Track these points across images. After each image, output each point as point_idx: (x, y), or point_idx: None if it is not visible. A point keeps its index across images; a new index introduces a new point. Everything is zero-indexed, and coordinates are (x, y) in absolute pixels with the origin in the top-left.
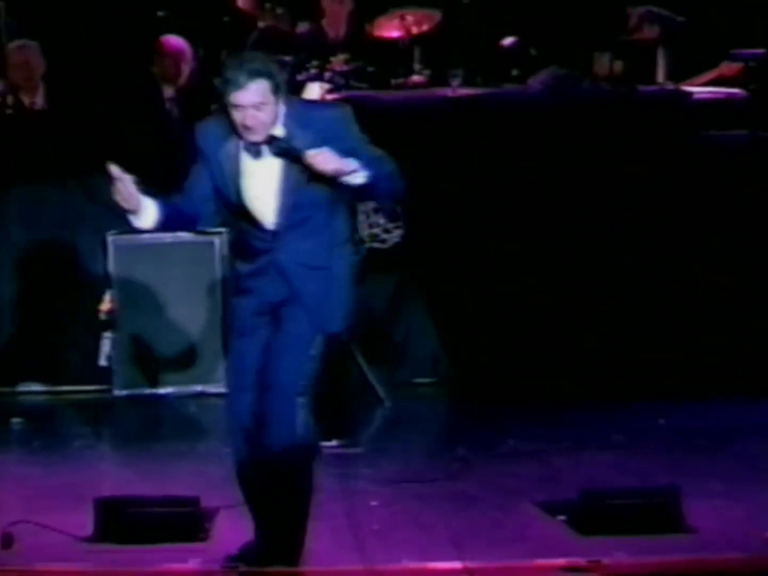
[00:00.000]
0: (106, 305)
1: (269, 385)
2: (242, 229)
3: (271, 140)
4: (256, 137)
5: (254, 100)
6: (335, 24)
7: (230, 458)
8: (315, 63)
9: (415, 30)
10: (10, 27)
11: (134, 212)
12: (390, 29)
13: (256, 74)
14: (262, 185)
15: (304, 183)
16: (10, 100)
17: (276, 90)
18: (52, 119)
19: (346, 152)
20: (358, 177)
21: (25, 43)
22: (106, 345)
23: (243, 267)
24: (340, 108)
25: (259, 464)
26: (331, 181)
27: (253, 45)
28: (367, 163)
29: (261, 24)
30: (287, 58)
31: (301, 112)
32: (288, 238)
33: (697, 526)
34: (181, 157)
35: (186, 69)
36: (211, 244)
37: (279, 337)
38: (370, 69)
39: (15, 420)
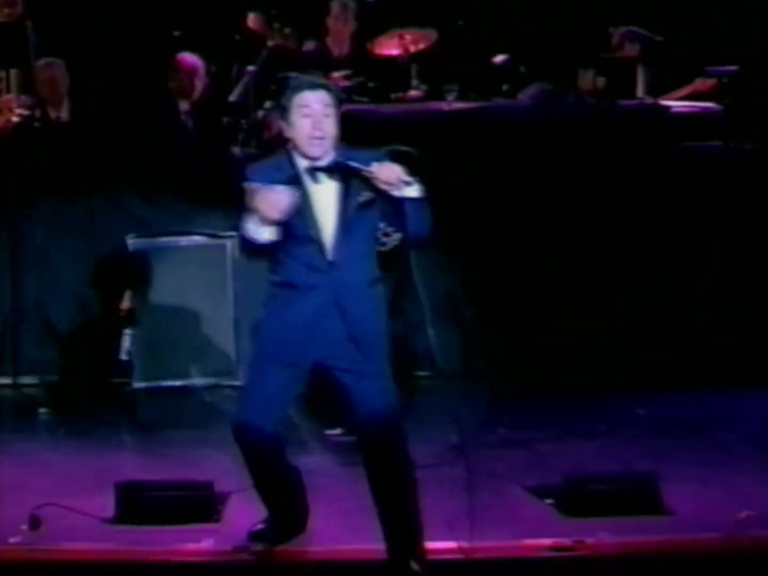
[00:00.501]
0: (125, 304)
1: (375, 428)
2: (295, 260)
3: (336, 162)
4: (321, 150)
5: (325, 102)
6: (339, 42)
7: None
8: None
9: (412, 48)
10: (37, 45)
11: (276, 223)
12: (389, 47)
13: (321, 85)
14: (323, 210)
15: (358, 208)
16: (37, 113)
17: (336, 109)
18: (76, 131)
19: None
20: (414, 190)
21: (52, 60)
22: (125, 340)
23: (287, 302)
24: (380, 153)
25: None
26: (388, 194)
27: (263, 62)
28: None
29: (270, 42)
30: (294, 75)
31: (346, 150)
32: (343, 267)
33: (675, 508)
34: (194, 163)
35: (200, 84)
36: (223, 246)
37: (362, 390)
38: (371, 84)
39: (41, 410)
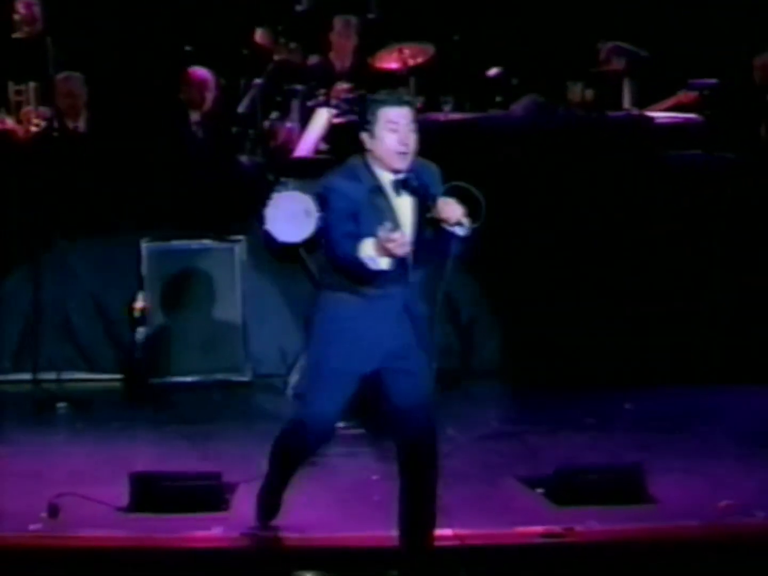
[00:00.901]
0: (139, 304)
1: (416, 428)
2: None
3: (407, 179)
4: (404, 164)
5: (409, 118)
6: (342, 57)
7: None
8: (323, 91)
9: (411, 62)
10: (55, 60)
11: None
12: (389, 61)
13: (409, 101)
14: (404, 221)
15: (425, 222)
16: (55, 124)
17: (415, 123)
18: (92, 140)
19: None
20: (462, 230)
21: (71, 74)
22: (139, 339)
23: (353, 309)
24: (435, 166)
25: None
26: (441, 227)
27: (269, 75)
28: None
29: (276, 57)
30: (299, 87)
31: (420, 163)
32: (412, 276)
33: (659, 497)
34: (204, 171)
35: (210, 96)
36: (232, 249)
37: (411, 390)
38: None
39: (60, 404)
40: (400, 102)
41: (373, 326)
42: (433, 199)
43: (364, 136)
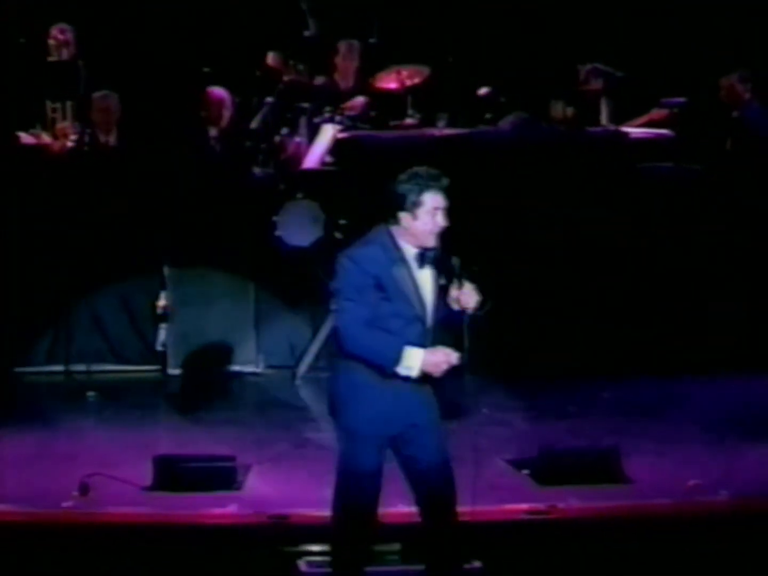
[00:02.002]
0: (162, 302)
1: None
2: (401, 339)
3: (428, 253)
4: (435, 241)
5: (444, 204)
6: (345, 77)
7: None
8: (329, 108)
9: (408, 82)
10: (87, 80)
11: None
12: (388, 81)
13: (446, 184)
14: (426, 292)
15: (439, 290)
16: (87, 138)
17: None
18: (122, 154)
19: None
20: (469, 315)
21: (108, 93)
22: (162, 334)
23: (371, 377)
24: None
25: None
26: (449, 306)
27: (280, 94)
28: None
29: (286, 77)
30: (307, 105)
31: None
32: (430, 341)
33: (634, 477)
34: (220, 180)
35: (227, 114)
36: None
37: (425, 471)
38: (372, 113)
39: (90, 393)
40: (444, 188)
41: (390, 392)
42: (450, 272)
43: (403, 215)
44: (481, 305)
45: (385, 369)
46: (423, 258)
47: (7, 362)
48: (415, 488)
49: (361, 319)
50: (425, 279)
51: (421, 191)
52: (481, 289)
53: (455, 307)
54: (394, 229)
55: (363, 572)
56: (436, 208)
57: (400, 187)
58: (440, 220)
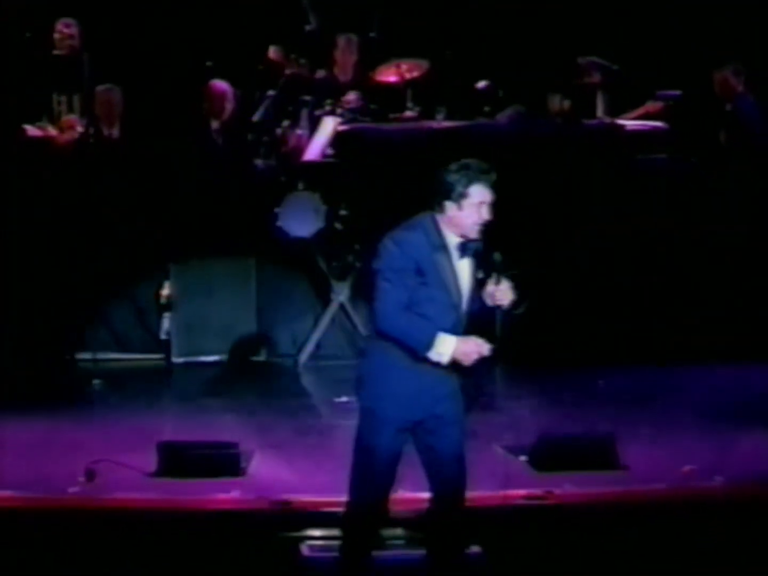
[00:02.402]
0: (165, 291)
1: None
2: (437, 326)
3: (470, 244)
4: (477, 234)
5: (491, 198)
6: (344, 71)
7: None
8: (329, 101)
9: (408, 76)
10: (91, 74)
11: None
12: (388, 75)
13: (494, 177)
14: (464, 282)
15: (476, 282)
16: (91, 131)
17: None
18: (125, 146)
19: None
20: (503, 312)
21: (111, 86)
22: (165, 323)
23: (402, 360)
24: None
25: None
26: (484, 300)
27: (281, 87)
28: None
29: (287, 71)
30: (308, 98)
31: None
32: (463, 330)
33: (629, 464)
34: (222, 172)
35: (229, 107)
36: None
37: (440, 461)
38: (372, 106)
39: (96, 381)
40: (491, 181)
41: (419, 377)
42: (490, 267)
43: (449, 204)
44: (516, 305)
45: (417, 352)
46: (464, 248)
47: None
48: (429, 476)
49: (398, 301)
50: (464, 269)
51: (469, 183)
52: (519, 289)
53: (489, 302)
54: (439, 216)
55: (371, 556)
56: (482, 202)
57: (448, 176)
58: (485, 214)
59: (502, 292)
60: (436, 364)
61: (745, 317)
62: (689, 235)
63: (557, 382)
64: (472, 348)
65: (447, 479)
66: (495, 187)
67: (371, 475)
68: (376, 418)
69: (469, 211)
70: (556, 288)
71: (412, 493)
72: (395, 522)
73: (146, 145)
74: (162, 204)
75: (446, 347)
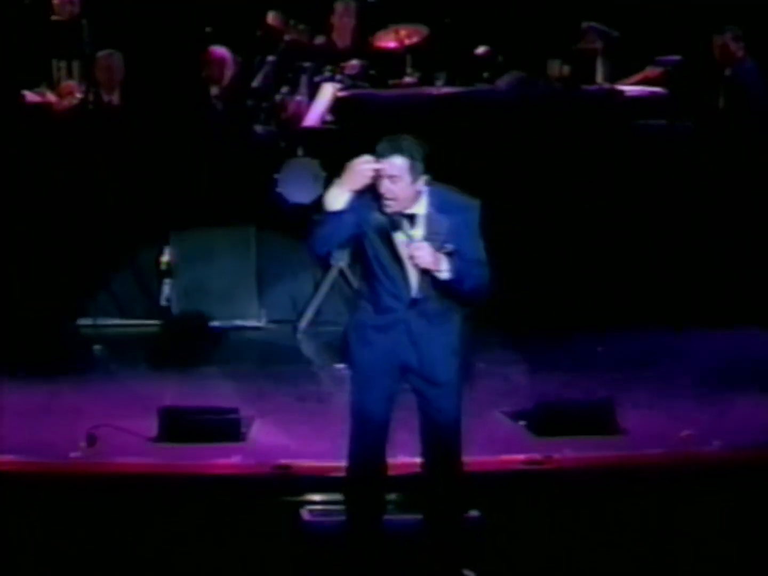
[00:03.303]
0: (165, 258)
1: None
2: (380, 285)
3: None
4: (390, 208)
5: (390, 172)
6: (343, 37)
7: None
8: (329, 68)
9: (407, 41)
10: (91, 40)
11: (344, 190)
12: (387, 41)
13: (397, 150)
14: (404, 255)
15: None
16: (91, 97)
17: (412, 170)
18: (125, 112)
19: (463, 242)
20: (444, 275)
21: (111, 51)
22: (165, 289)
23: (370, 320)
24: (474, 202)
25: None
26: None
27: (280, 53)
28: (468, 261)
29: (286, 37)
30: (307, 64)
31: (443, 197)
32: (422, 306)
33: (627, 429)
34: (222, 138)
35: (228, 73)
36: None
37: (430, 425)
38: (371, 72)
39: (96, 347)
40: (380, 155)
41: (384, 338)
42: (409, 248)
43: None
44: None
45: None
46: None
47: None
48: (421, 440)
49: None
50: (401, 242)
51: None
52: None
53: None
54: None
55: (378, 520)
56: (380, 176)
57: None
58: (383, 186)
59: (419, 253)
60: (397, 329)
61: (744, 282)
62: (688, 200)
63: (555, 348)
64: (356, 164)
65: (437, 444)
66: (401, 153)
67: (360, 437)
68: (353, 380)
69: (378, 182)
70: (554, 252)
71: (409, 458)
72: (393, 486)
73: (146, 111)
74: (162, 170)
75: (333, 189)
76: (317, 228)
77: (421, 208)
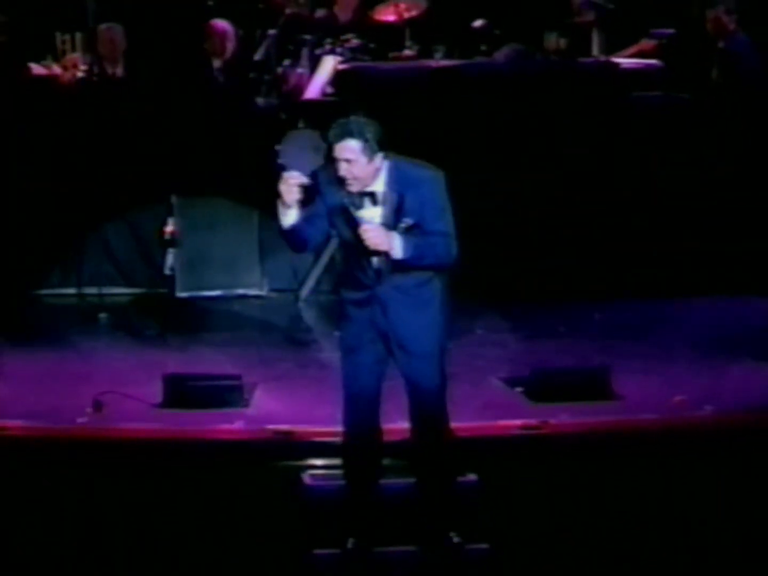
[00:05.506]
0: (169, 228)
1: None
2: (352, 263)
3: (359, 196)
4: (350, 188)
5: (344, 155)
6: (344, 10)
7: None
8: (329, 41)
9: (406, 15)
10: (95, 13)
11: (287, 207)
12: (387, 14)
13: (348, 134)
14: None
15: (402, 231)
16: (95, 69)
17: (366, 150)
18: (129, 85)
19: (425, 215)
20: (397, 253)
21: (113, 24)
22: (169, 258)
23: (349, 295)
24: (435, 172)
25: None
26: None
27: (282, 27)
28: (430, 234)
29: (288, 10)
30: (308, 37)
31: (403, 171)
32: (389, 277)
33: (622, 394)
34: (224, 110)
35: (230, 46)
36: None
37: (412, 393)
38: (371, 45)
39: (102, 315)
40: (332, 140)
41: (361, 313)
42: (359, 229)
43: None
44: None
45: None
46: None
47: (24, 284)
48: (408, 406)
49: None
50: (371, 218)
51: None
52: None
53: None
54: None
55: (375, 485)
56: (336, 158)
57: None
58: (340, 169)
59: (369, 234)
60: (373, 304)
61: (738, 251)
62: (683, 170)
63: (552, 316)
64: (282, 183)
65: (420, 411)
66: (351, 137)
67: (352, 406)
68: (341, 352)
69: (336, 165)
70: (550, 222)
71: (402, 424)
72: (387, 452)
73: (149, 84)
74: (165, 142)
75: (279, 208)
76: (287, 241)
77: (380, 185)
